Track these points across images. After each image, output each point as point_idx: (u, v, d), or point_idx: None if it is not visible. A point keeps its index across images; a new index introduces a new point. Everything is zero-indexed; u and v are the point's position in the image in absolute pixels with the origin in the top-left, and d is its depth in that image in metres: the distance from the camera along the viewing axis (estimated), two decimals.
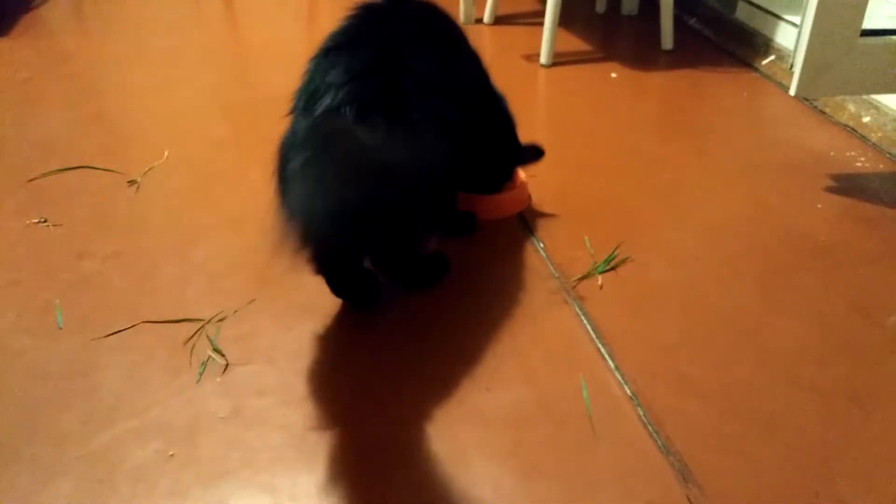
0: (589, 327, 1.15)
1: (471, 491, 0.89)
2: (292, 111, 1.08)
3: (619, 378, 1.05)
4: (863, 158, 1.64)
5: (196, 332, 1.13)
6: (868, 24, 1.42)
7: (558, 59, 2.15)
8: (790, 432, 0.97)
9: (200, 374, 1.06)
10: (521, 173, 1.48)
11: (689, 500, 0.88)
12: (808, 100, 1.90)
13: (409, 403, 1.01)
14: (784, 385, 1.05)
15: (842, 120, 1.79)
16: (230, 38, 2.47)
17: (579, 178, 1.57)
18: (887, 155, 1.65)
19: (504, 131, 1.36)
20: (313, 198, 0.91)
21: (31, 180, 1.54)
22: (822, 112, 1.85)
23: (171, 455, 0.94)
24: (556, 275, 1.26)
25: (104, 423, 0.98)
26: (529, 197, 1.49)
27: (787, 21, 2.06)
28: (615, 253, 1.30)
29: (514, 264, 1.29)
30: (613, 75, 2.09)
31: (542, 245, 1.34)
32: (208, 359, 1.09)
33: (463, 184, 1.36)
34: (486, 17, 2.48)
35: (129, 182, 1.54)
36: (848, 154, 1.66)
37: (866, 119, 1.74)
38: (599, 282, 1.25)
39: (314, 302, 1.19)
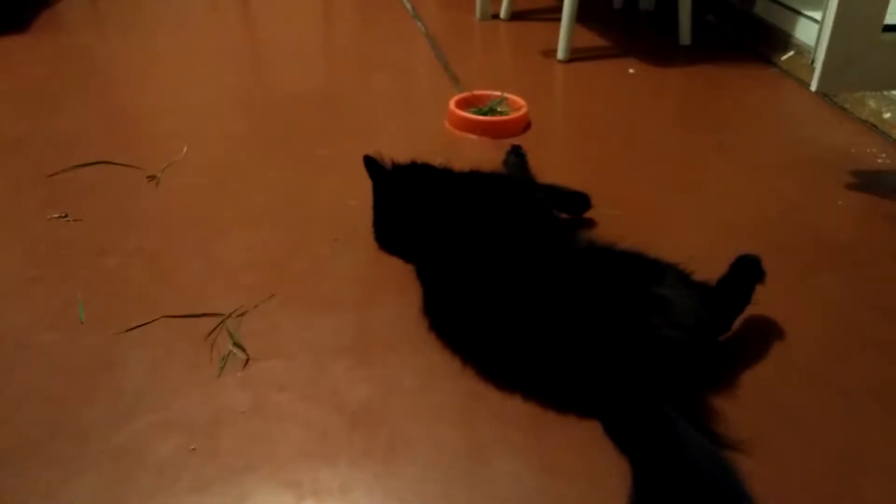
0: None
1: (492, 486, 0.89)
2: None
3: None
4: (884, 155, 1.63)
5: (217, 326, 1.14)
6: (890, 19, 1.40)
7: (575, 55, 2.14)
8: (812, 430, 0.97)
9: (221, 368, 1.06)
10: (522, 101, 1.74)
11: None
12: (827, 96, 1.88)
13: (429, 398, 1.01)
14: (806, 383, 1.04)
15: (862, 116, 1.78)
16: (247, 36, 2.48)
17: (597, 174, 1.56)
18: None
19: None
20: None
21: (52, 175, 1.55)
22: (842, 108, 1.83)
23: (193, 449, 0.94)
24: None
25: (126, 417, 0.99)
26: (529, 123, 1.73)
27: (807, 16, 2.04)
28: None
29: None
30: (631, 71, 2.08)
31: None
32: (229, 353, 1.09)
33: None
34: (503, 13, 2.48)
35: (148, 177, 1.54)
36: (868, 150, 1.65)
37: (887, 115, 1.72)
38: None
39: (333, 297, 1.20)
